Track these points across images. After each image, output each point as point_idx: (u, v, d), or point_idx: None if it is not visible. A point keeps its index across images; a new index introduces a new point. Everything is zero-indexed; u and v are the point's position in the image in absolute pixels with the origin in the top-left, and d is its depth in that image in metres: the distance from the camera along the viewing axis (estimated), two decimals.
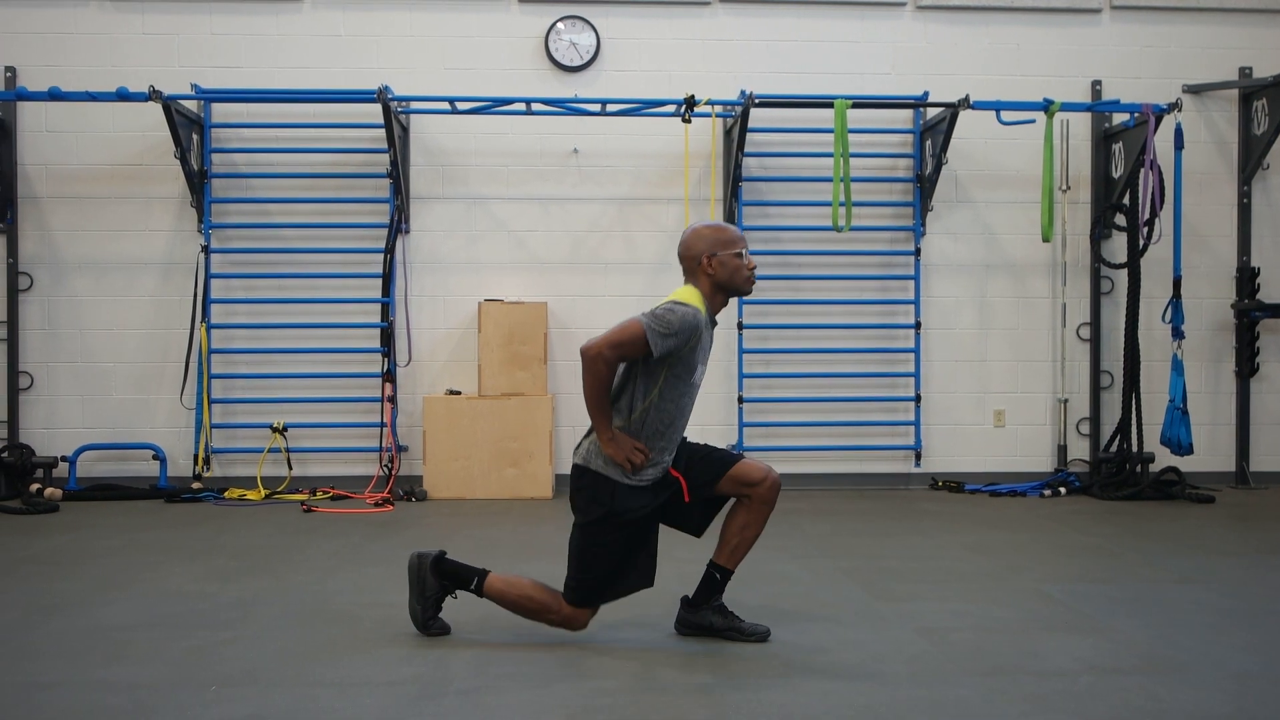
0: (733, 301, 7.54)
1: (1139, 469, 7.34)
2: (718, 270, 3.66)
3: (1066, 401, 7.75)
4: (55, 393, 7.43)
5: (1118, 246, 7.67)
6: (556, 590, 3.75)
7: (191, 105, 7.32)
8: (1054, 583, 4.66)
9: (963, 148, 7.56)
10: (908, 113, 7.70)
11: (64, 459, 7.26)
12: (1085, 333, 7.81)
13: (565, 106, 7.34)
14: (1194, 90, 7.77)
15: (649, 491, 3.66)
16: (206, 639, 3.77)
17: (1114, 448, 7.44)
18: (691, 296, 3.64)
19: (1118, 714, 3.04)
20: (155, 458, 7.37)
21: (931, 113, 7.51)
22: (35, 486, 6.99)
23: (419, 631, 3.81)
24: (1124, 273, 7.48)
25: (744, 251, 3.71)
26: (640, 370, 3.62)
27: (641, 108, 7.32)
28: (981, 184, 7.77)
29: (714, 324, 3.73)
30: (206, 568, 4.97)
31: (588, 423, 3.67)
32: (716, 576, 3.79)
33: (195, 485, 7.20)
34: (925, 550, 5.48)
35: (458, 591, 3.83)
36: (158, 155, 7.36)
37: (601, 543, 3.63)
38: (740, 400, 7.56)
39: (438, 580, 3.80)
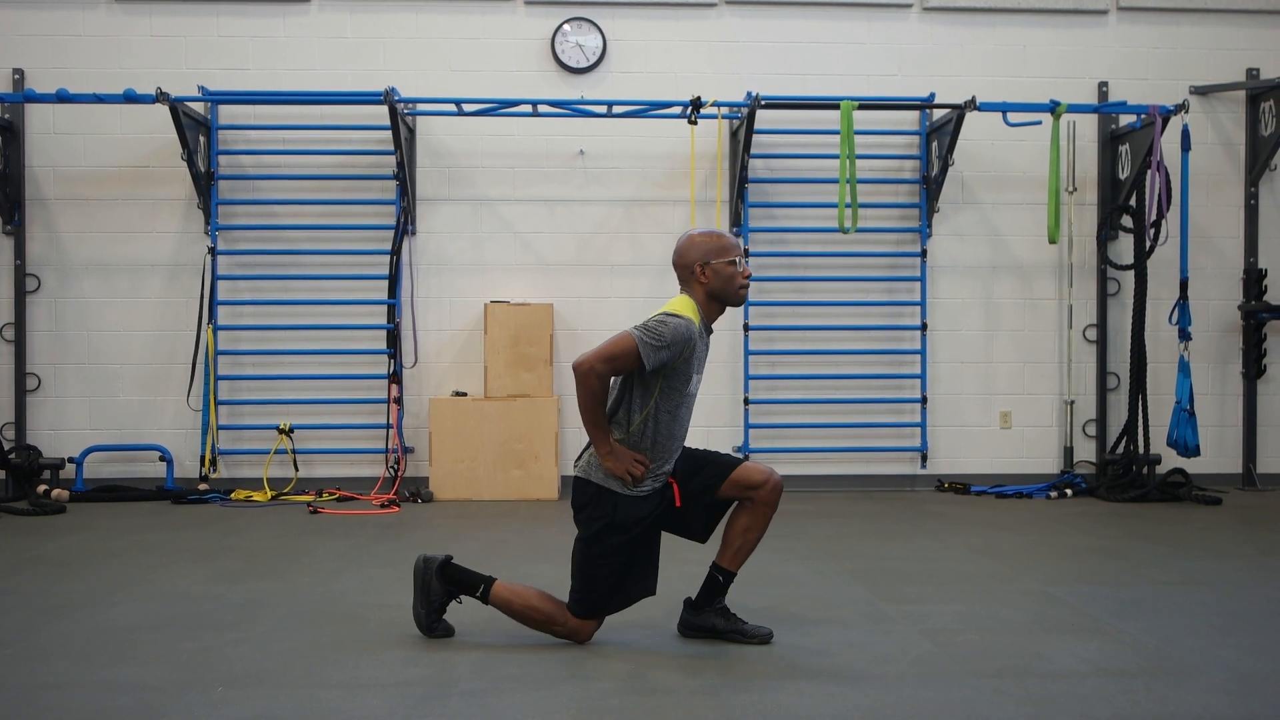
0: None
1: (1145, 471, 7.34)
2: (711, 279, 3.63)
3: (1073, 403, 7.73)
4: (62, 394, 7.45)
5: (1124, 248, 7.66)
6: (562, 601, 3.74)
7: (198, 107, 7.35)
8: (1060, 584, 4.65)
9: (969, 149, 7.56)
10: (914, 114, 7.70)
11: (71, 460, 7.28)
12: (1092, 334, 7.79)
13: (571, 108, 7.34)
14: (1201, 91, 7.75)
15: (649, 501, 3.66)
16: (213, 640, 3.78)
17: (1120, 449, 7.42)
18: (685, 306, 3.61)
19: (1123, 716, 3.04)
20: (162, 459, 7.38)
21: (938, 114, 7.51)
22: (42, 488, 7.02)
23: (422, 634, 3.82)
24: (1131, 274, 7.48)
25: (738, 259, 3.67)
26: (635, 382, 3.61)
27: (648, 109, 7.32)
28: (988, 185, 7.76)
29: (709, 332, 3.70)
30: (213, 569, 4.98)
31: None
32: (719, 579, 3.79)
33: (202, 487, 7.22)
34: (931, 552, 5.48)
35: (462, 597, 3.83)
36: (164, 157, 7.38)
37: (603, 554, 3.62)
38: (746, 402, 7.56)
39: (443, 585, 3.80)
